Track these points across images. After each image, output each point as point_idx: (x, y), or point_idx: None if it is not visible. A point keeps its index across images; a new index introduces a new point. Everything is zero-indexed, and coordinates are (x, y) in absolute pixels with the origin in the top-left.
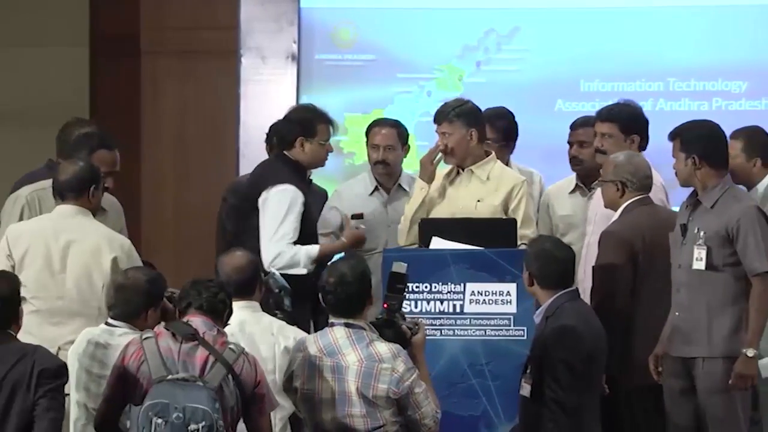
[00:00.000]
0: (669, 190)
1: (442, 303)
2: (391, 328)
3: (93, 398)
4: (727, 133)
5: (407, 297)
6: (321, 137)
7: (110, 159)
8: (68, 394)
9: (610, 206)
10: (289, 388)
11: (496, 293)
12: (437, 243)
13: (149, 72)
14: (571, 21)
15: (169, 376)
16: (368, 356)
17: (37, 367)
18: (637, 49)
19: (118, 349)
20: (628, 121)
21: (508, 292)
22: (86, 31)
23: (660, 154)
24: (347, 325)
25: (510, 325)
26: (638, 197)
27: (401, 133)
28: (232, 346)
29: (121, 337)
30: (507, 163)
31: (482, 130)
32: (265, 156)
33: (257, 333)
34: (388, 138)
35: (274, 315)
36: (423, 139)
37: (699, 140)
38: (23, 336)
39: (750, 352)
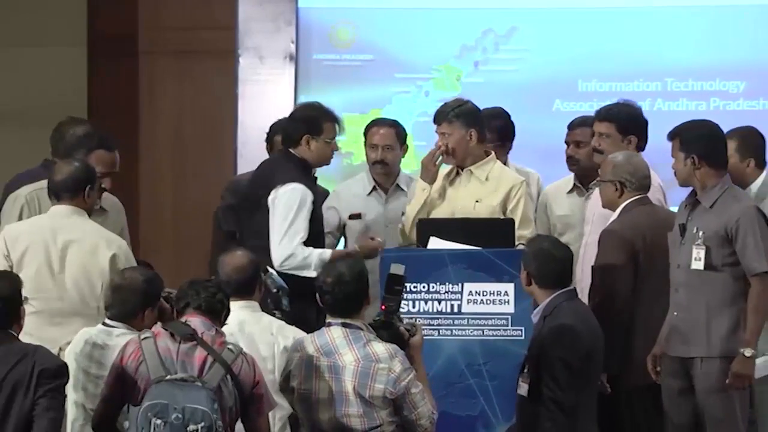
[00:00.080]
0: (667, 189)
1: (439, 303)
2: (389, 329)
3: (91, 398)
4: None
5: (405, 297)
6: (327, 135)
7: (109, 159)
8: (66, 395)
9: (609, 206)
10: (285, 387)
11: (493, 293)
12: (435, 243)
13: (147, 72)
14: (569, 21)
15: (168, 377)
16: (365, 356)
17: (38, 367)
18: (635, 49)
19: (116, 349)
20: (626, 121)
21: (506, 292)
22: (84, 31)
23: (658, 154)
24: (344, 325)
25: (507, 325)
26: (637, 197)
27: (399, 133)
28: (230, 347)
29: (119, 337)
30: (504, 163)
31: (482, 130)
32: (263, 156)
33: (257, 333)
34: (387, 138)
35: (273, 315)
36: (421, 139)
37: (698, 140)
38: (24, 338)
39: (747, 352)
